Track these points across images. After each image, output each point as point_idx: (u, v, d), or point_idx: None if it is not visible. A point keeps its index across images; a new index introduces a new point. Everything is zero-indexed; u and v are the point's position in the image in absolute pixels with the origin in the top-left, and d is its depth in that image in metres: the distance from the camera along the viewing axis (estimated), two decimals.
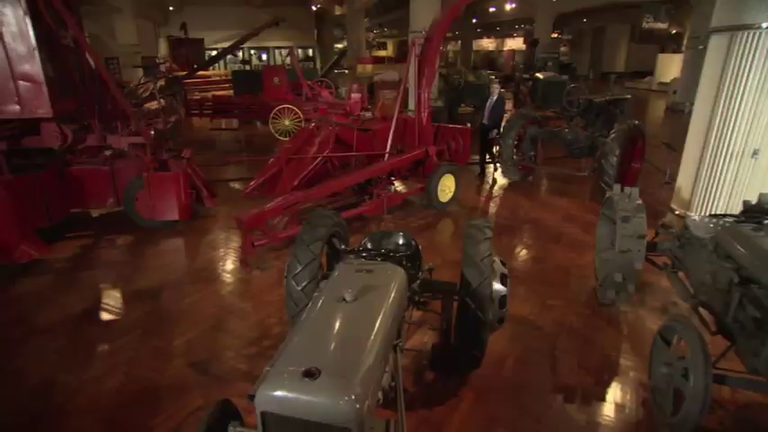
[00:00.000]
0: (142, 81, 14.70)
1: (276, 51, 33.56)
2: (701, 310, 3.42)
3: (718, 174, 5.38)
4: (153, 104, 14.53)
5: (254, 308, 4.55)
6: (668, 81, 21.50)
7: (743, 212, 3.95)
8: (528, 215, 6.95)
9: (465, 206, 7.33)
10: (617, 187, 4.37)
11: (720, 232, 3.34)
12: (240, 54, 30.24)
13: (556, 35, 29.94)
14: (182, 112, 9.86)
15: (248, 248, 5.11)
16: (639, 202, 4.07)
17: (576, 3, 22.86)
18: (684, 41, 25.93)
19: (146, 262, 5.59)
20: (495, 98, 7.73)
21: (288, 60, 14.05)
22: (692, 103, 16.71)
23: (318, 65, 32.35)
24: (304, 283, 3.26)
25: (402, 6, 23.27)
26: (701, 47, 16.27)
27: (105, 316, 4.47)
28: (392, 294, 2.38)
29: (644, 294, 4.67)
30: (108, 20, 21.04)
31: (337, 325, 2.05)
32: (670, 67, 23.36)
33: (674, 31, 27.63)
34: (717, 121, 5.25)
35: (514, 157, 8.02)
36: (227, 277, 5.20)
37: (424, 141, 7.19)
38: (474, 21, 35.62)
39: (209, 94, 14.55)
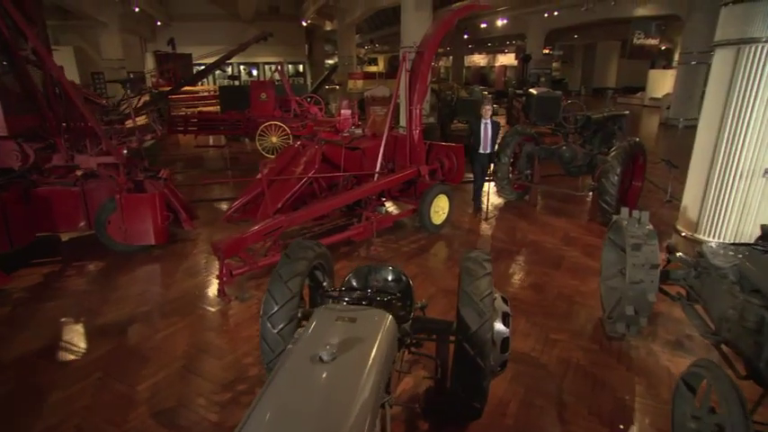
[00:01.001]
0: (126, 96, 14.38)
1: (266, 67, 33.46)
2: (724, 347, 3.11)
3: (726, 194, 5.14)
4: (138, 120, 14.21)
5: (231, 344, 4.17)
6: (660, 96, 21.63)
7: (760, 238, 3.67)
8: (525, 237, 6.66)
9: (459, 228, 7.02)
10: (624, 211, 4.09)
11: (743, 262, 3.04)
12: (229, 69, 30.10)
13: (547, 51, 30.19)
14: (158, 129, 9.51)
15: (226, 277, 4.74)
16: (650, 227, 3.79)
17: (567, 19, 23.07)
18: (675, 57, 26.26)
19: (115, 292, 5.19)
20: (488, 123, 6.76)
21: (276, 76, 13.77)
22: (686, 119, 16.78)
23: (309, 81, 32.32)
24: (281, 326, 2.91)
25: (393, 23, 23.38)
26: (693, 62, 16.41)
27: (63, 356, 4.06)
28: (379, 347, 2.03)
29: (655, 325, 4.36)
30: (93, 34, 20.83)
31: (312, 392, 1.70)
32: (662, 82, 23.57)
33: (663, 47, 27.99)
34: (724, 139, 5.02)
35: (510, 175, 7.77)
36: (204, 309, 4.81)
37: (415, 160, 6.91)
38: (465, 36, 35.89)
39: (195, 110, 14.27)
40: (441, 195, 6.63)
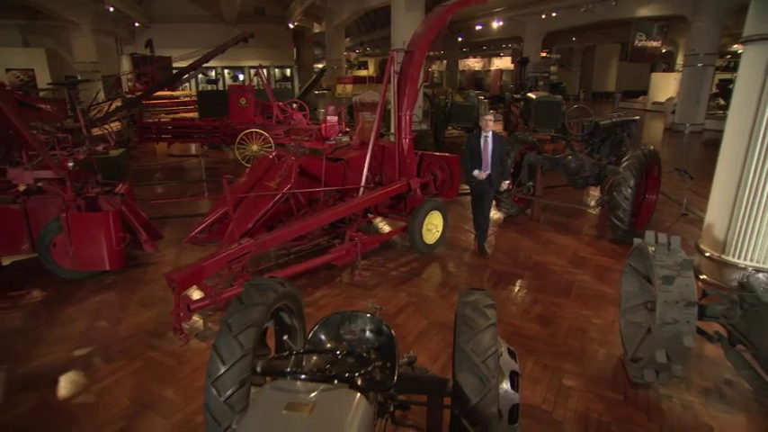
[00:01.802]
0: (96, 102, 13.80)
1: (252, 71, 32.97)
2: None
3: (759, 210, 4.65)
4: (109, 127, 13.62)
5: (183, 397, 3.59)
6: (663, 101, 21.38)
7: None
8: (529, 258, 6.13)
9: (455, 247, 6.48)
10: (650, 234, 3.57)
11: None
12: (213, 73, 29.60)
13: (545, 55, 30.00)
14: (111, 139, 8.93)
15: (182, 313, 4.16)
16: (684, 255, 3.26)
17: (566, 21, 22.83)
18: (678, 60, 26.15)
19: (54, 329, 4.57)
20: (490, 136, 5.43)
21: (256, 79, 13.23)
22: (693, 124, 16.45)
23: (297, 85, 31.88)
24: (229, 392, 2.32)
25: (384, 25, 22.99)
26: (699, 65, 16.12)
27: None
28: None
29: (686, 367, 3.82)
30: (67, 35, 20.23)
31: None
32: (665, 86, 23.36)
33: (664, 50, 27.88)
34: (756, 148, 4.54)
35: (510, 187, 7.26)
36: (156, 350, 4.21)
37: (405, 172, 6.38)
38: (459, 39, 35.68)
39: (169, 117, 13.69)
40: (434, 211, 6.09)
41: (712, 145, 15.32)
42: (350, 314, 2.59)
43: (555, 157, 7.12)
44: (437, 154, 6.83)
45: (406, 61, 6.22)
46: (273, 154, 5.93)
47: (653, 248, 3.43)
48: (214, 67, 29.57)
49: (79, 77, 19.35)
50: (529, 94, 14.65)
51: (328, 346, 2.52)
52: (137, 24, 25.18)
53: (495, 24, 27.41)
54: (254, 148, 11.61)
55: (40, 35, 21.69)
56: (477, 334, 2.21)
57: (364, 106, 15.17)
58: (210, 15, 28.04)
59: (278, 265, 5.62)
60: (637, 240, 3.77)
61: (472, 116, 14.18)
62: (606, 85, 34.53)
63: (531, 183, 7.28)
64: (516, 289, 5.29)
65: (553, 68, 34.79)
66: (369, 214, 6.69)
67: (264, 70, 12.76)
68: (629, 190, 5.94)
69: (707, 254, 5.28)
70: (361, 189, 6.09)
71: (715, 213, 5.20)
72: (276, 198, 5.39)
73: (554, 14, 22.65)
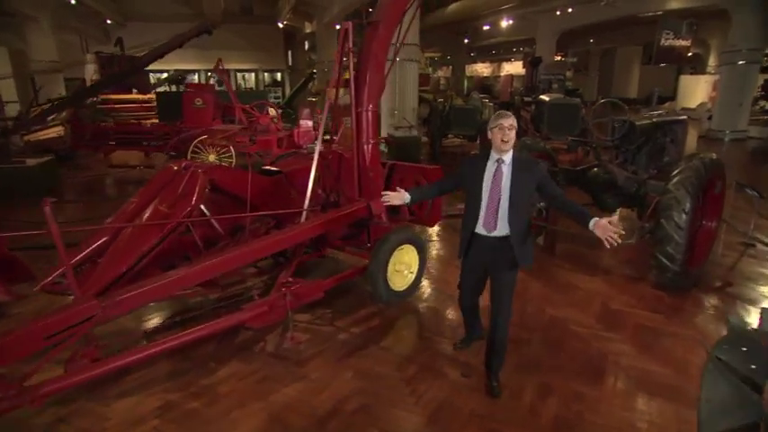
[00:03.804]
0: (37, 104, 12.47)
1: (239, 75, 31.87)
2: None
3: None
4: (48, 132, 12.26)
5: None
6: (694, 107, 19.81)
7: None
8: (542, 312, 4.53)
9: (439, 295, 4.90)
10: (753, 314, 1.99)
11: None
12: (195, 77, 28.41)
13: (560, 58, 28.61)
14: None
15: None
16: None
17: (583, 17, 21.44)
18: (710, 62, 24.65)
19: None
20: (507, 163, 3.05)
21: (222, 77, 11.81)
22: (734, 131, 14.81)
23: (288, 90, 30.66)
24: None
25: None
26: (741, 62, 14.53)
27: None
28: None
29: None
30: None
31: None
32: (695, 90, 21.81)
33: (691, 53, 26.40)
34: None
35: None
36: None
37: (367, 190, 4.83)
38: (466, 41, 34.48)
39: (111, 122, 12.29)
40: (405, 245, 4.54)
41: (762, 154, 13.69)
42: None
43: (575, 169, 5.57)
44: (413, 165, 5.30)
45: (368, 37, 4.71)
46: (182, 164, 4.39)
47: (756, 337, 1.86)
48: (197, 71, 28.43)
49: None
50: (541, 97, 13.16)
51: None
52: (109, 22, 24.05)
53: (505, 24, 26.15)
54: (212, 157, 10.14)
55: (6, 33, 20.64)
56: None
57: (347, 110, 13.74)
58: (192, 14, 26.91)
59: (163, 327, 4.09)
60: (733, 321, 2.20)
61: (475, 121, 12.67)
62: (627, 92, 32.98)
63: (542, 204, 5.71)
64: (521, 366, 3.67)
65: (568, 74, 33.43)
66: (318, 248, 5.13)
67: (222, 65, 11.28)
68: (684, 216, 4.36)
69: None
70: (304, 214, 4.55)
71: None
72: (168, 228, 3.85)
73: (570, 11, 21.32)
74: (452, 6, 26.66)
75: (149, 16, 26.13)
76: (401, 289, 4.62)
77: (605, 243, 2.83)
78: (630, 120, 5.60)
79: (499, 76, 41.38)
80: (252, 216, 4.46)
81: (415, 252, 4.68)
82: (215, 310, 4.30)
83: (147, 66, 12.05)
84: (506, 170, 3.05)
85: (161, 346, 3.31)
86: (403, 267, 4.61)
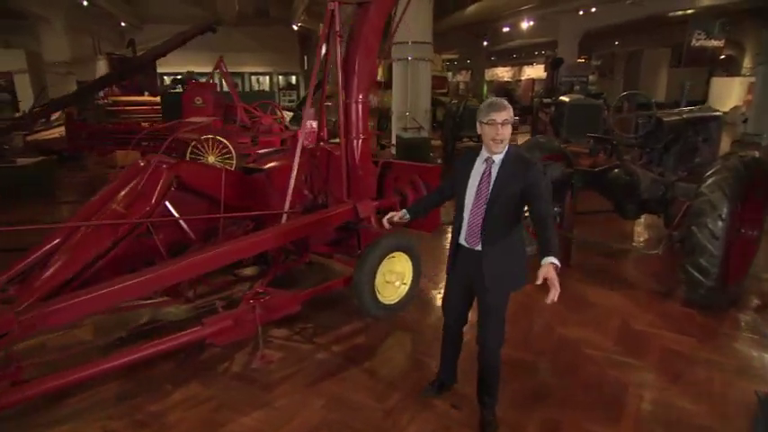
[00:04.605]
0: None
1: (253, 78, 31.89)
2: None
3: None
4: (51, 133, 12.17)
5: None
6: (727, 110, 18.90)
7: None
8: (551, 332, 3.99)
9: (435, 309, 4.40)
10: None
11: None
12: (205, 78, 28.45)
13: (583, 60, 27.83)
14: None
15: None
16: None
17: (607, 18, 20.69)
18: (745, 63, 23.63)
19: None
20: (497, 163, 2.52)
21: (223, 74, 11.55)
22: None
23: (302, 93, 30.52)
24: None
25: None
26: None
27: None
28: None
29: None
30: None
31: None
32: (728, 93, 20.86)
33: (723, 56, 25.41)
34: None
35: (526, 215, 5.21)
36: None
37: (356, 191, 4.38)
38: (485, 44, 33.92)
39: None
40: (396, 253, 4.07)
41: None
42: None
43: (593, 170, 5.03)
44: (408, 163, 4.83)
45: (358, 19, 4.28)
46: (150, 160, 4.01)
47: None
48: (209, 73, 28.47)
49: None
50: (561, 98, 12.60)
51: None
52: (123, 24, 24.23)
53: (525, 25, 25.54)
54: (211, 159, 9.82)
55: (24, 35, 20.95)
56: None
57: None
58: (207, 16, 27.03)
59: (115, 343, 3.69)
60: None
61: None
62: (654, 96, 31.97)
63: (557, 208, 5.16)
64: (524, 396, 3.15)
65: (592, 77, 32.60)
66: (302, 254, 4.69)
67: (223, 63, 11.04)
68: (720, 223, 3.79)
69: None
70: (284, 216, 4.11)
71: None
72: (123, 230, 3.45)
73: (593, 10, 20.60)
74: (471, 8, 26.17)
75: (164, 18, 26.24)
76: (392, 302, 4.15)
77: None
78: (657, 115, 5.04)
79: (520, 81, 40.73)
80: (224, 217, 4.04)
81: (408, 261, 4.20)
82: (176, 324, 3.88)
83: (146, 64, 11.84)
84: (495, 172, 2.51)
85: (103, 366, 2.90)
86: (394, 278, 4.14)
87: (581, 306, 4.45)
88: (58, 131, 12.30)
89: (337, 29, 4.17)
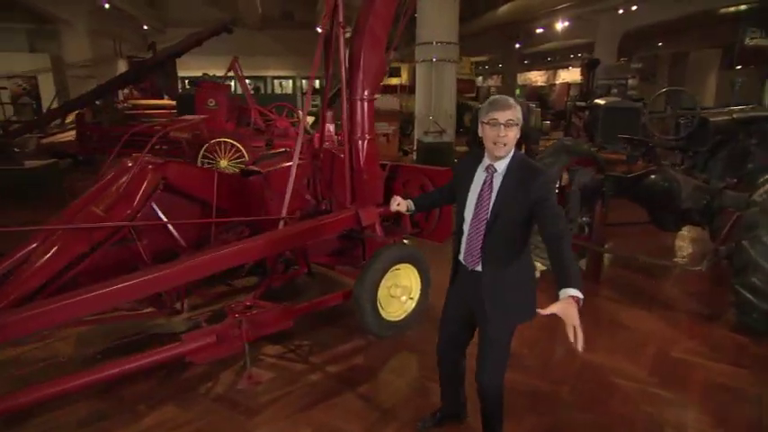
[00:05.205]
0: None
1: (276, 82, 32.25)
2: None
3: None
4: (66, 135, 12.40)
5: None
6: None
7: None
8: (576, 359, 3.64)
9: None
10: None
11: None
12: (231, 84, 28.87)
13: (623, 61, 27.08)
14: None
15: None
16: None
17: (648, 16, 20.04)
18: None
19: None
20: (501, 171, 2.21)
21: (237, 75, 11.57)
22: None
23: None
24: None
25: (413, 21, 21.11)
26: None
27: None
28: None
29: None
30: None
31: None
32: None
33: None
34: None
35: None
36: None
37: (361, 195, 4.16)
38: (517, 46, 33.49)
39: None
40: (402, 265, 3.81)
41: None
42: None
43: (627, 176, 4.67)
44: (417, 167, 4.60)
45: (363, 7, 4.08)
46: (138, 159, 3.87)
47: None
48: (232, 77, 28.91)
49: None
50: (596, 101, 12.16)
51: None
52: (146, 28, 24.84)
53: (560, 26, 25.06)
54: (223, 163, 9.80)
55: (49, 40, 21.71)
56: None
57: (379, 114, 13.21)
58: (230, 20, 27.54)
59: (90, 361, 3.54)
60: None
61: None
62: (703, 100, 30.86)
63: (585, 218, 4.82)
64: None
65: (632, 81, 31.72)
66: (303, 265, 4.48)
67: (238, 63, 11.04)
68: None
69: None
70: (281, 222, 3.92)
71: None
72: (102, 234, 3.30)
73: (634, 8, 20.05)
74: (503, 8, 25.84)
75: (186, 22, 26.78)
76: (397, 319, 3.89)
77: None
78: (702, 114, 4.65)
79: (554, 85, 40.01)
80: (215, 223, 3.87)
81: (415, 274, 3.94)
82: (163, 337, 3.70)
83: (161, 64, 11.92)
84: (497, 182, 2.22)
85: (73, 383, 2.73)
86: (399, 292, 3.88)
87: (611, 329, 4.09)
88: (72, 134, 12.56)
89: (340, 20, 3.99)
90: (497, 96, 2.21)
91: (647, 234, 5.80)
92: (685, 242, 6.32)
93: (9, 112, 17.51)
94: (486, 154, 2.25)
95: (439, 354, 2.66)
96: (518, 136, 2.16)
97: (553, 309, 1.84)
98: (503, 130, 2.11)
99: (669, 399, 3.17)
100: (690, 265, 5.34)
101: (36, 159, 9.76)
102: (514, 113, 2.13)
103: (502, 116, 2.12)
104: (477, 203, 2.24)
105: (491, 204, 2.19)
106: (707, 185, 4.59)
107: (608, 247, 4.89)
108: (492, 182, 2.22)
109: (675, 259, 5.78)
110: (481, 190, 2.24)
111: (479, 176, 2.27)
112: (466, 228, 2.31)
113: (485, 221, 2.21)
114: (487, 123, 2.15)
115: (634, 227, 5.63)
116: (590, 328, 3.99)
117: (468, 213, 2.28)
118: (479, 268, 2.27)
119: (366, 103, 4.15)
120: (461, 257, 2.36)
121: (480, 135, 2.22)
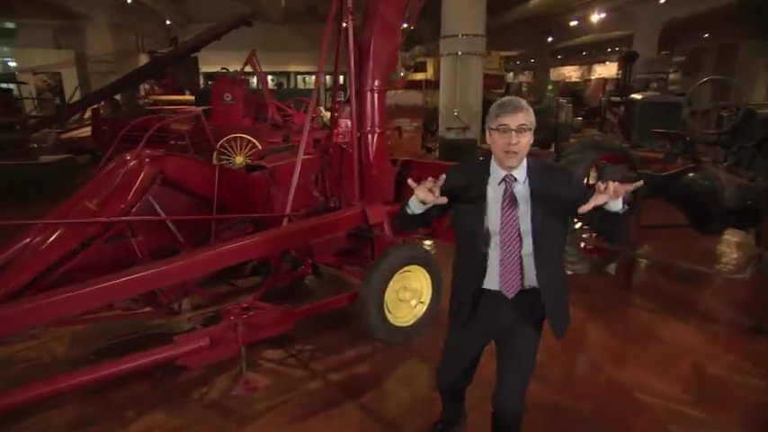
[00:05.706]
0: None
1: (299, 78, 32.44)
2: None
3: None
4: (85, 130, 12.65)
5: None
6: None
7: None
8: (599, 372, 3.43)
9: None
10: None
11: None
12: (254, 80, 29.21)
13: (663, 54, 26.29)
14: None
15: None
16: None
17: (692, 5, 19.36)
18: None
19: None
20: (524, 181, 2.03)
21: (254, 68, 11.60)
22: None
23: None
24: None
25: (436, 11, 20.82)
26: None
27: None
28: None
29: None
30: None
31: None
32: None
33: None
34: None
35: (579, 226, 4.67)
36: None
37: (370, 192, 4.03)
38: (550, 40, 32.88)
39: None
40: (411, 267, 3.67)
41: None
42: None
43: (661, 174, 4.41)
44: (431, 162, 4.46)
45: None
46: (137, 152, 3.83)
47: None
48: (251, 73, 29.26)
49: None
50: (633, 96, 11.75)
51: None
52: (168, 22, 25.28)
53: (596, 18, 24.45)
54: (239, 159, 9.82)
55: (73, 36, 22.33)
56: None
57: (402, 110, 13.09)
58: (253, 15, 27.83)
59: (83, 362, 3.49)
60: None
61: (547, 124, 11.55)
62: (752, 97, 29.68)
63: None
64: None
65: (674, 75, 30.72)
66: (310, 265, 4.37)
67: (255, 57, 11.06)
68: None
69: None
70: (285, 219, 3.82)
71: None
72: (94, 229, 3.26)
73: None
74: (536, 0, 25.41)
75: (209, 17, 27.18)
76: (406, 324, 3.74)
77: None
78: (747, 106, 4.36)
79: (589, 80, 39.16)
80: (215, 219, 3.79)
81: (426, 276, 3.78)
82: (161, 338, 3.64)
83: (180, 58, 12.02)
84: (524, 191, 2.01)
85: (60, 385, 2.67)
86: (409, 295, 3.73)
87: (642, 340, 3.85)
88: (82, 131, 12.81)
89: (349, 5, 3.87)
90: (507, 98, 2.00)
91: (686, 238, 5.50)
92: (727, 247, 5.98)
93: (32, 108, 18.04)
94: (493, 165, 2.05)
95: (443, 390, 2.51)
96: (531, 142, 1.96)
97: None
98: (514, 137, 1.91)
99: (702, 420, 2.93)
100: (732, 273, 5.04)
101: (53, 155, 9.98)
102: (527, 117, 1.93)
103: (513, 121, 1.91)
104: (503, 221, 2.01)
105: (529, 217, 1.99)
106: (752, 184, 4.29)
107: (641, 251, 4.62)
108: (514, 193, 2.00)
109: (716, 266, 5.47)
110: (504, 205, 2.01)
111: (496, 192, 2.03)
112: (495, 254, 2.06)
113: (519, 239, 2.01)
114: (496, 130, 1.95)
115: (670, 230, 5.35)
116: (619, 340, 3.81)
117: (495, 234, 2.04)
118: (528, 286, 2.06)
119: (376, 94, 4.02)
120: (492, 285, 2.09)
121: (489, 143, 2.02)
